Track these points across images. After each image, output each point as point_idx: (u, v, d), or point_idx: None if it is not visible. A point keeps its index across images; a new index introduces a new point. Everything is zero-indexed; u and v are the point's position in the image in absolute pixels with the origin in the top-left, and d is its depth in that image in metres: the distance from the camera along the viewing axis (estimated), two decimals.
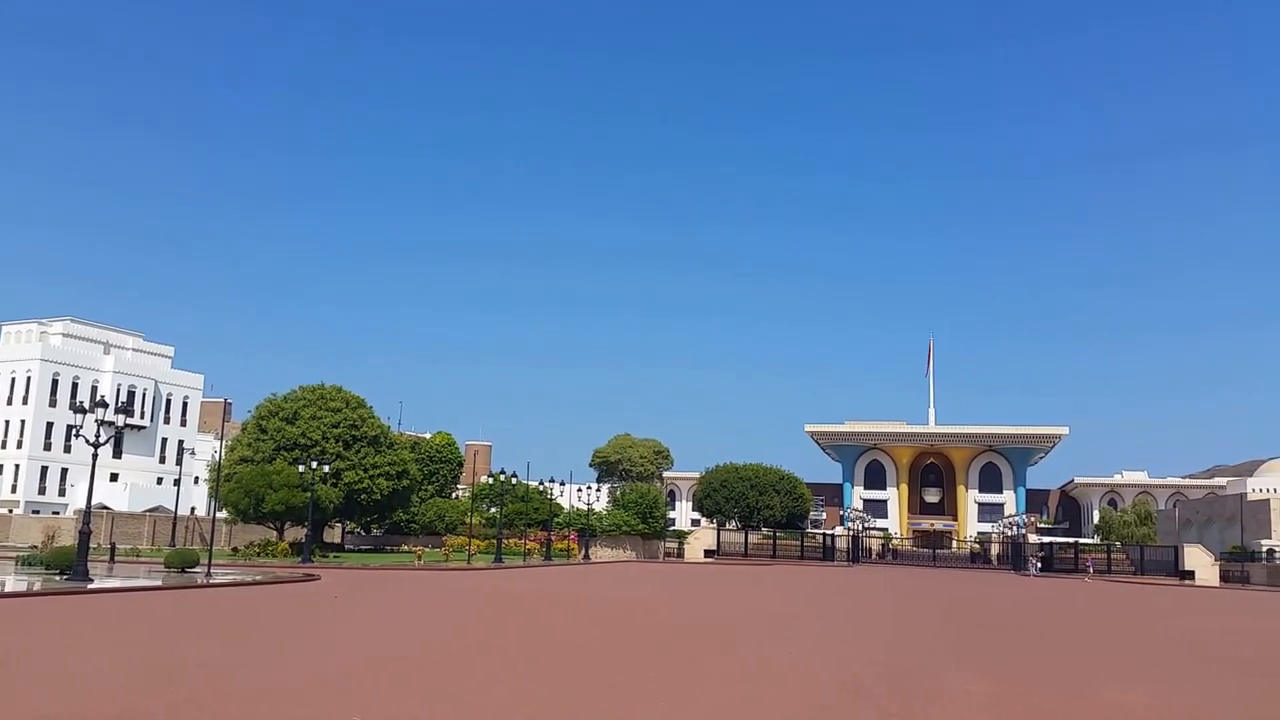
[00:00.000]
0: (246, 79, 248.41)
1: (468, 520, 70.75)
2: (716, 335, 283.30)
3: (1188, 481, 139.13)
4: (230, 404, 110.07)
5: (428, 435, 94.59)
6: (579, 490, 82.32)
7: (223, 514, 63.39)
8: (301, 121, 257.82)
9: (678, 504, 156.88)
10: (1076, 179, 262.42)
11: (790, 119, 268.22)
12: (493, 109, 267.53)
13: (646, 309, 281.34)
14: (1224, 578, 74.40)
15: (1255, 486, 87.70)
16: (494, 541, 62.67)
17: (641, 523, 76.97)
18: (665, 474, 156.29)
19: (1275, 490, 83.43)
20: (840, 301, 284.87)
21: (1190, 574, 74.38)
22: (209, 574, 36.86)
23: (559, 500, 78.48)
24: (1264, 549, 74.14)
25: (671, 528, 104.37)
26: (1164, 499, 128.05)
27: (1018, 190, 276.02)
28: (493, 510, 75.02)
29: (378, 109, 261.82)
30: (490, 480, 73.00)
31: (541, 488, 75.78)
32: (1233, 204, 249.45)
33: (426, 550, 64.37)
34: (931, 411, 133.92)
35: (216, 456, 65.15)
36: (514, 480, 65.87)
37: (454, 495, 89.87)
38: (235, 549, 60.18)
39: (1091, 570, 77.25)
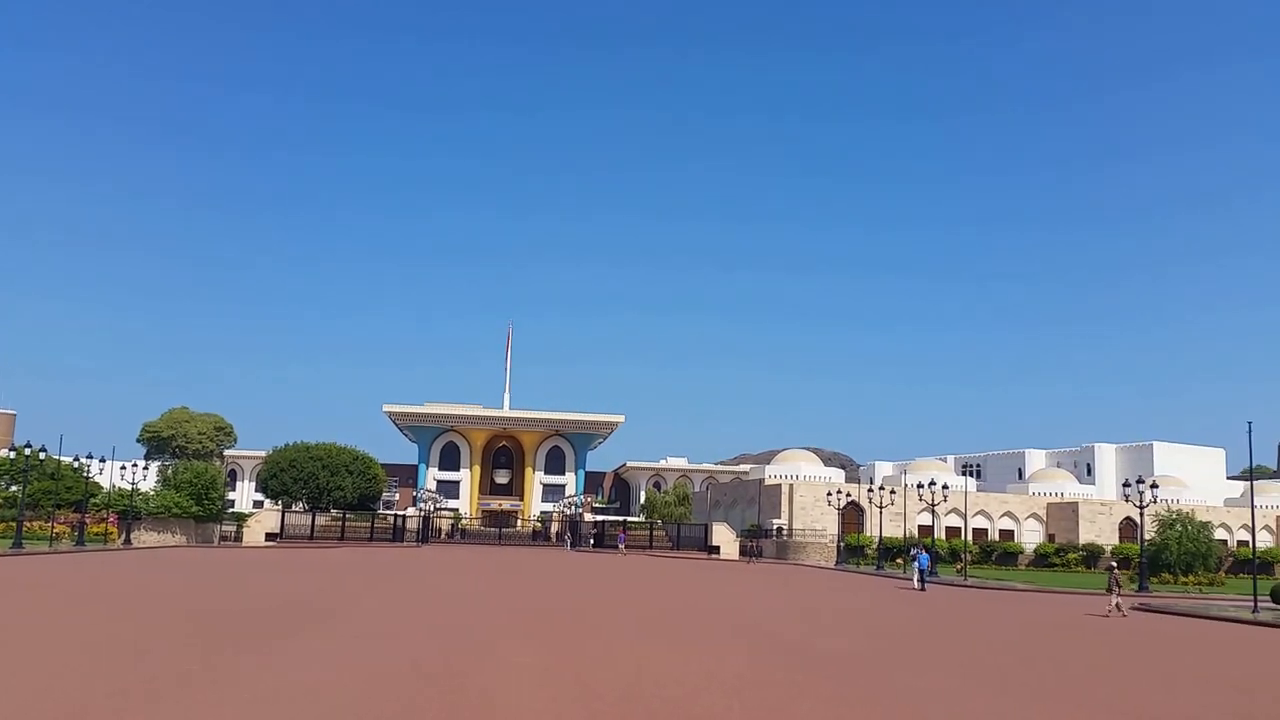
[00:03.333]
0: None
1: None
2: (296, 312, 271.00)
3: (720, 467, 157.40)
4: None
5: None
6: (122, 468, 75.22)
7: None
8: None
9: (240, 484, 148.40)
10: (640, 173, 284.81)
11: None
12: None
13: (206, 267, 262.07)
14: (743, 551, 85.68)
15: (772, 473, 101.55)
16: (13, 525, 55.67)
17: (196, 504, 72.10)
18: (227, 452, 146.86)
19: (787, 476, 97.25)
20: (424, 285, 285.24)
21: (717, 548, 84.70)
22: None
23: (98, 479, 71.04)
24: (774, 526, 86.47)
25: (231, 510, 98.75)
26: (700, 482, 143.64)
27: (586, 176, 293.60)
28: (13, 489, 66.35)
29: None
30: (12, 454, 64.48)
31: (77, 464, 68.37)
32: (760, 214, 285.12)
33: None
34: (507, 396, 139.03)
35: None
36: (41, 455, 59.04)
37: None
38: None
39: (621, 546, 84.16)
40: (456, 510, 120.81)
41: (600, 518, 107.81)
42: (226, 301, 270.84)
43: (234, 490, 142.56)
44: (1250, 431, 41.06)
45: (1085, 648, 22.07)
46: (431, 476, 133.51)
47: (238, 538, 78.75)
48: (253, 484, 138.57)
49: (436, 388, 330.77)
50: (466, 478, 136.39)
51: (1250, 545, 44.25)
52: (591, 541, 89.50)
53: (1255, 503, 56.73)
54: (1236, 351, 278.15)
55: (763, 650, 18.75)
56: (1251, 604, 35.96)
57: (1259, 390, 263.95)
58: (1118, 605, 32.17)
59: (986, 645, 22.01)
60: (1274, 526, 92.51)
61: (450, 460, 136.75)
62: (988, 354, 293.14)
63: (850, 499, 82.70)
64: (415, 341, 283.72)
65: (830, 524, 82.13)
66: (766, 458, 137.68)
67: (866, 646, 20.42)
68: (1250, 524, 44.81)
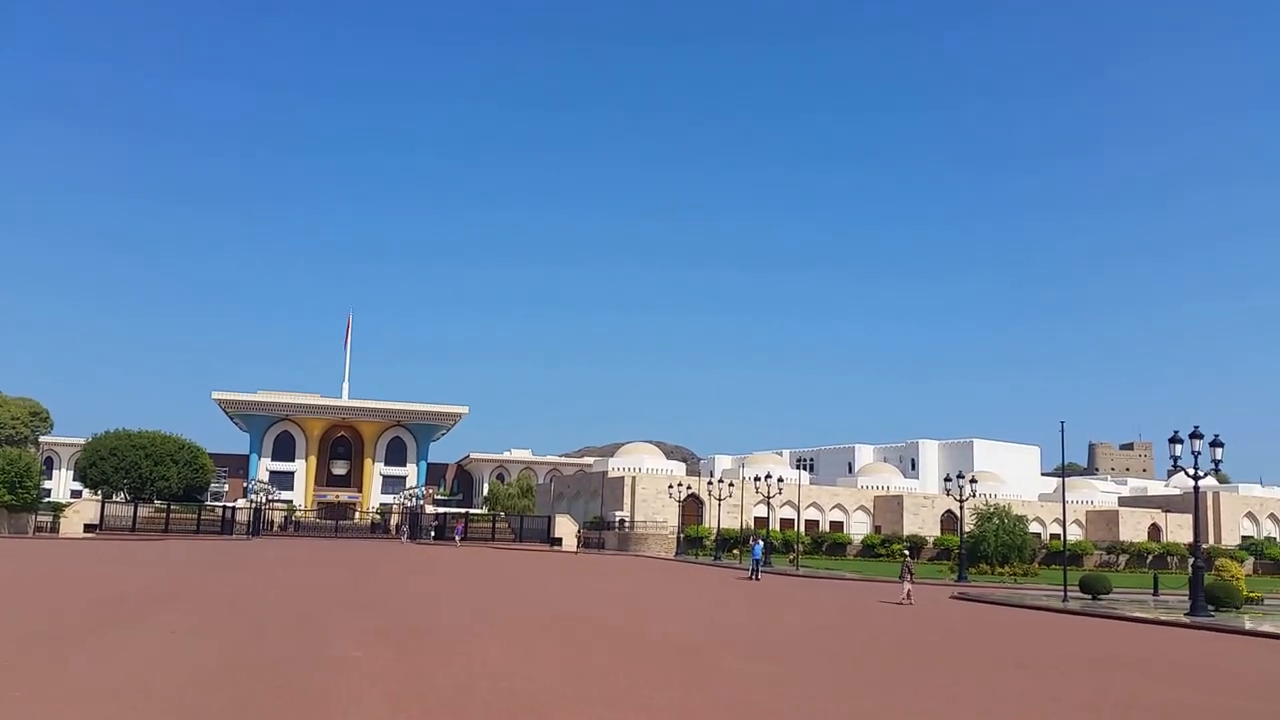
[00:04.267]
0: None
1: None
2: (123, 297, 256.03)
3: (564, 460, 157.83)
4: None
5: None
6: None
7: None
8: None
9: (57, 473, 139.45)
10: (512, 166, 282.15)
11: None
12: None
13: (20, 253, 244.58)
14: (585, 543, 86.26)
15: (615, 466, 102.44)
16: None
17: (9, 493, 67.44)
18: (43, 439, 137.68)
19: (629, 469, 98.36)
20: (263, 275, 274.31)
21: (559, 540, 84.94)
22: None
23: None
24: (617, 518, 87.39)
25: (47, 499, 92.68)
26: (544, 474, 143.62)
27: (434, 170, 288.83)
28: None
29: None
30: None
31: None
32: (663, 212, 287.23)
33: None
34: (346, 385, 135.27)
35: None
36: None
37: None
38: None
39: (457, 538, 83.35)
40: (290, 502, 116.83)
41: (442, 509, 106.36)
42: (44, 282, 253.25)
43: (50, 479, 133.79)
44: (1063, 431, 44.32)
45: (901, 632, 23.40)
46: (264, 467, 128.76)
47: (54, 529, 74.06)
48: (71, 473, 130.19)
49: (274, 378, 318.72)
50: (302, 469, 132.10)
51: (1062, 538, 47.62)
52: (432, 534, 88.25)
53: (1066, 498, 61.14)
54: (1051, 355, 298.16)
55: (599, 640, 19.09)
56: (1061, 593, 38.77)
57: (1072, 392, 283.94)
58: (909, 593, 33.66)
59: (810, 631, 23.05)
60: (1083, 520, 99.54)
61: (285, 451, 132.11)
62: (826, 351, 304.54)
63: (691, 491, 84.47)
64: (252, 333, 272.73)
65: (671, 516, 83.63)
66: (610, 450, 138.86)
67: (700, 634, 21.06)
68: (1062, 518, 48.23)
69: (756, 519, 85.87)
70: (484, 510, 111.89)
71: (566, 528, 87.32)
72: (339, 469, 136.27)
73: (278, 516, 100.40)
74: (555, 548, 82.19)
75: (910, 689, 14.46)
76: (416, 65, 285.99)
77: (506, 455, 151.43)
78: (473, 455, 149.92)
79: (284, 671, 13.80)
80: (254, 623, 20.19)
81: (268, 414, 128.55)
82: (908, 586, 34.16)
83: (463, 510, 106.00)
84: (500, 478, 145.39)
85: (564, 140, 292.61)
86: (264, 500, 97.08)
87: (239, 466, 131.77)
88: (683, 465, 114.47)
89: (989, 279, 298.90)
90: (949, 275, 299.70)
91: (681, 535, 78.44)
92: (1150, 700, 14.42)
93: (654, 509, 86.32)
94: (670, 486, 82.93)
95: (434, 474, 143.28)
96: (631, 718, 11.20)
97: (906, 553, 41.56)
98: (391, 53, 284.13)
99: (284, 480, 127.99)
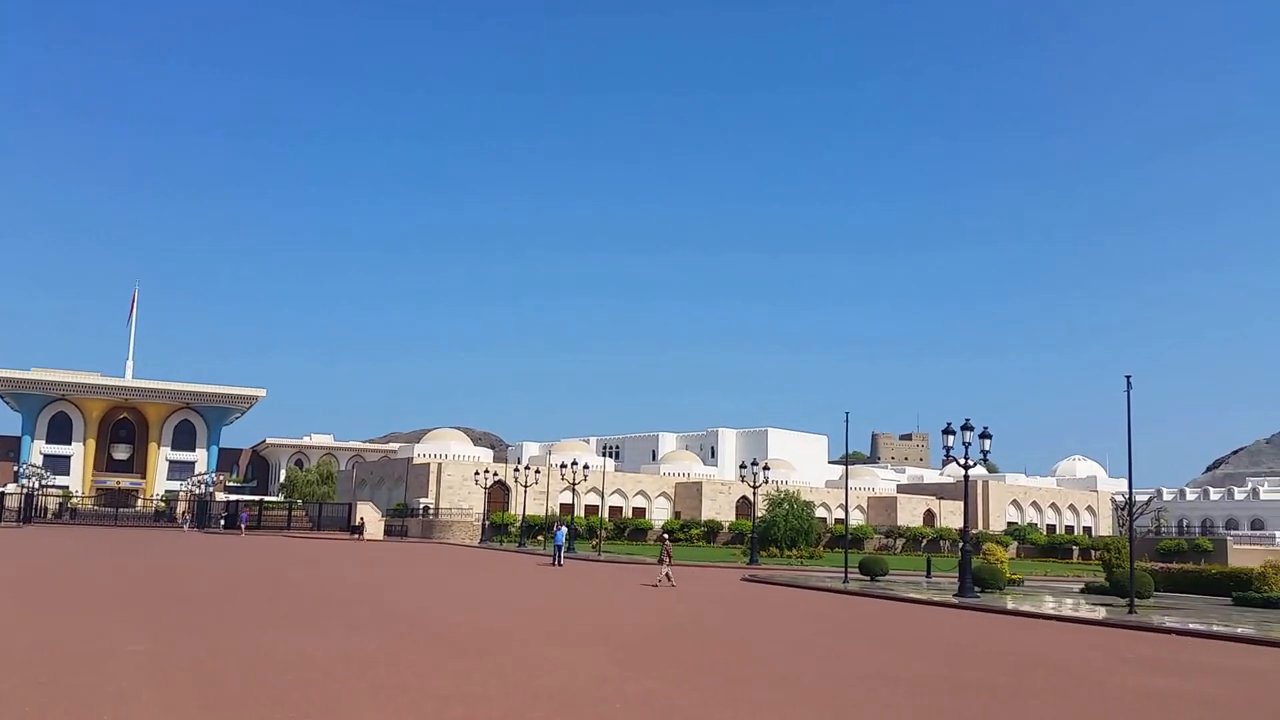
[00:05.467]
0: None
1: None
2: None
3: (369, 445, 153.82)
4: None
5: None
6: None
7: None
8: None
9: None
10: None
11: None
12: None
13: None
14: (388, 531, 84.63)
15: (421, 452, 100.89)
16: None
17: None
18: None
19: (436, 455, 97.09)
20: (36, 248, 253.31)
21: (361, 528, 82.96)
22: None
23: None
24: (421, 505, 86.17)
25: None
26: (346, 460, 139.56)
27: (231, 148, 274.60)
28: None
29: None
30: None
31: None
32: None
33: None
34: (130, 364, 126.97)
35: None
36: None
37: None
38: None
39: (242, 525, 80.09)
40: (66, 488, 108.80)
41: (235, 497, 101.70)
42: None
43: None
44: (847, 421, 47.24)
45: (692, 613, 24.45)
46: (38, 450, 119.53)
47: None
48: None
49: (54, 356, 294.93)
50: (80, 452, 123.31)
51: (845, 522, 50.75)
52: (223, 522, 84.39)
53: (850, 485, 64.97)
54: (840, 348, 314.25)
55: (395, 630, 19.04)
56: (843, 575, 41.28)
57: (856, 384, 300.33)
58: (667, 575, 34.44)
59: (607, 615, 23.75)
60: (865, 506, 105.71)
61: (61, 433, 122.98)
62: (637, 339, 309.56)
63: (497, 478, 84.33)
64: (28, 308, 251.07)
65: (477, 503, 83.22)
66: (417, 437, 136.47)
67: (500, 622, 21.32)
68: (845, 503, 51.36)
69: (562, 505, 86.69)
70: (280, 498, 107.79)
71: (369, 515, 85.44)
72: (121, 453, 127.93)
73: (52, 503, 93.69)
74: (356, 536, 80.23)
75: (695, 669, 15.25)
76: None
77: (306, 441, 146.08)
78: (269, 440, 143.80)
79: (57, 664, 13.11)
80: (16, 613, 18.93)
81: (43, 393, 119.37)
82: (665, 569, 34.77)
83: (257, 498, 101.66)
84: (299, 464, 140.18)
85: (326, 122, 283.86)
86: (37, 486, 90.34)
87: (9, 449, 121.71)
88: (490, 452, 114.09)
89: (777, 265, 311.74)
90: (746, 260, 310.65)
91: (487, 522, 78.26)
92: (914, 675, 15.77)
93: (460, 496, 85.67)
94: (477, 473, 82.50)
95: (227, 460, 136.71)
96: (424, 706, 11.38)
97: (665, 536, 43.05)
98: None
99: (60, 465, 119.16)
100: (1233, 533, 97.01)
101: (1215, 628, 24.41)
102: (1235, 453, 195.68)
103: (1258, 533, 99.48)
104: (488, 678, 13.54)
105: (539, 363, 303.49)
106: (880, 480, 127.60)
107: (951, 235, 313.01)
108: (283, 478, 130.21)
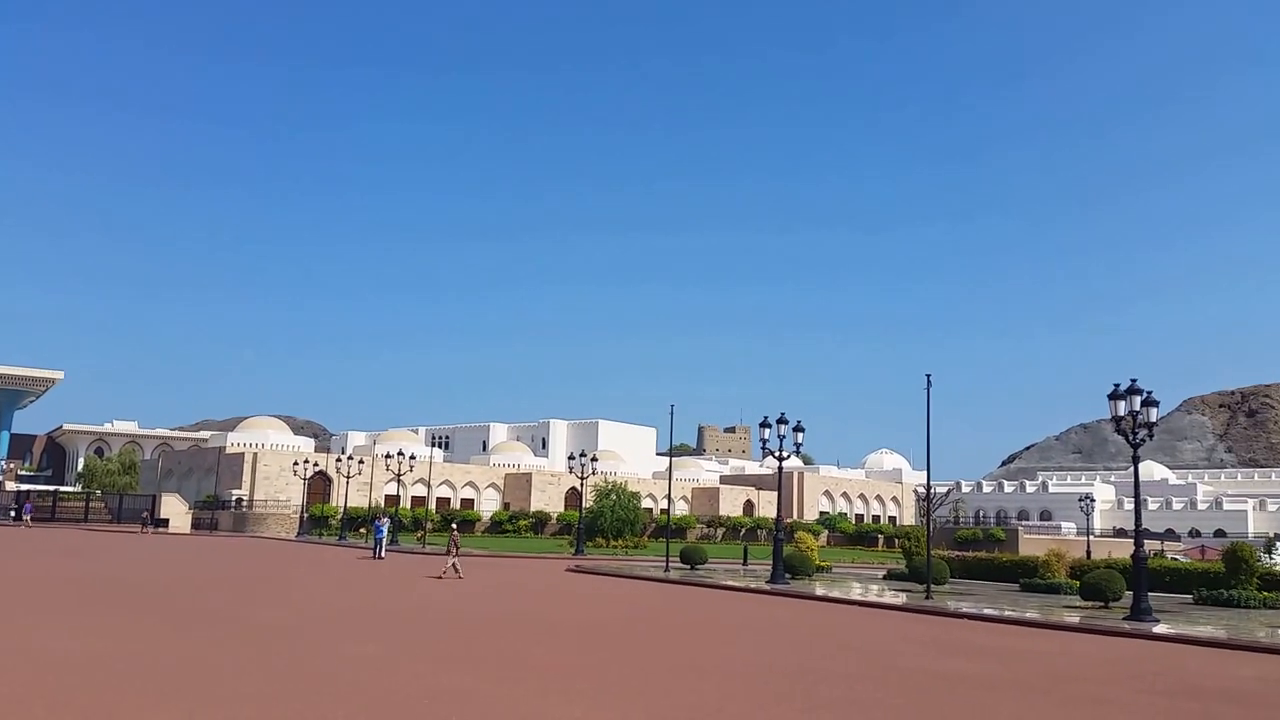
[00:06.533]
0: None
1: None
2: None
3: (178, 433, 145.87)
4: None
5: None
6: None
7: None
8: None
9: None
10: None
11: None
12: None
13: None
14: (196, 524, 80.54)
15: (235, 441, 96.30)
16: None
17: None
18: None
19: (251, 444, 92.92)
20: None
21: (166, 521, 78.60)
22: None
23: None
24: (234, 497, 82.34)
25: None
26: (152, 449, 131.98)
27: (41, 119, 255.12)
28: None
29: None
30: None
31: None
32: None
33: None
34: None
35: None
36: None
37: None
38: None
39: (27, 517, 74.75)
40: None
41: (26, 487, 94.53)
42: None
43: None
44: (672, 414, 48.10)
45: (506, 605, 24.40)
46: None
47: None
48: None
49: None
50: None
51: (668, 513, 51.81)
52: (12, 514, 78.26)
53: (675, 476, 66.29)
54: (669, 338, 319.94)
55: (194, 626, 18.17)
56: (664, 564, 42.07)
57: (681, 378, 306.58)
58: (454, 566, 34.10)
59: (421, 609, 23.39)
60: (690, 497, 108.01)
61: None
62: (471, 330, 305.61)
63: (319, 469, 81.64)
64: None
65: (296, 494, 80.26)
66: (232, 425, 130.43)
67: (307, 618, 20.66)
68: (668, 494, 52.39)
69: (388, 497, 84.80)
70: (78, 488, 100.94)
71: (175, 507, 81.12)
72: None
73: None
74: (160, 529, 75.98)
75: (509, 661, 15.22)
76: None
77: (108, 427, 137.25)
78: (66, 426, 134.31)
79: None
80: None
81: None
82: (451, 560, 34.34)
83: (51, 488, 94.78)
84: (99, 453, 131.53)
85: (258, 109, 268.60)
86: None
87: None
88: (312, 441, 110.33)
89: (623, 255, 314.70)
90: (585, 249, 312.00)
91: (306, 515, 75.58)
92: (721, 659, 16.24)
93: (277, 487, 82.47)
94: (296, 463, 79.57)
95: (19, 446, 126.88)
96: (210, 712, 10.90)
97: (454, 526, 42.93)
98: None
99: None
100: (1024, 523, 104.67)
101: (1005, 612, 26.24)
102: (1028, 448, 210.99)
103: (1046, 523, 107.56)
104: (295, 675, 13.10)
105: (368, 351, 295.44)
106: (704, 472, 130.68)
107: (794, 220, 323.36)
108: (80, 467, 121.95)
